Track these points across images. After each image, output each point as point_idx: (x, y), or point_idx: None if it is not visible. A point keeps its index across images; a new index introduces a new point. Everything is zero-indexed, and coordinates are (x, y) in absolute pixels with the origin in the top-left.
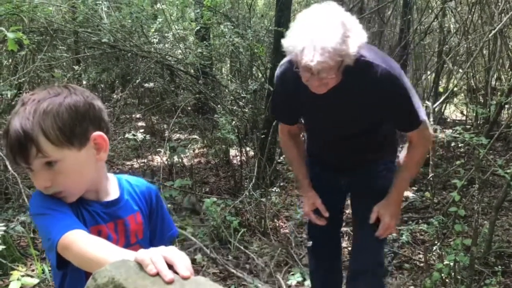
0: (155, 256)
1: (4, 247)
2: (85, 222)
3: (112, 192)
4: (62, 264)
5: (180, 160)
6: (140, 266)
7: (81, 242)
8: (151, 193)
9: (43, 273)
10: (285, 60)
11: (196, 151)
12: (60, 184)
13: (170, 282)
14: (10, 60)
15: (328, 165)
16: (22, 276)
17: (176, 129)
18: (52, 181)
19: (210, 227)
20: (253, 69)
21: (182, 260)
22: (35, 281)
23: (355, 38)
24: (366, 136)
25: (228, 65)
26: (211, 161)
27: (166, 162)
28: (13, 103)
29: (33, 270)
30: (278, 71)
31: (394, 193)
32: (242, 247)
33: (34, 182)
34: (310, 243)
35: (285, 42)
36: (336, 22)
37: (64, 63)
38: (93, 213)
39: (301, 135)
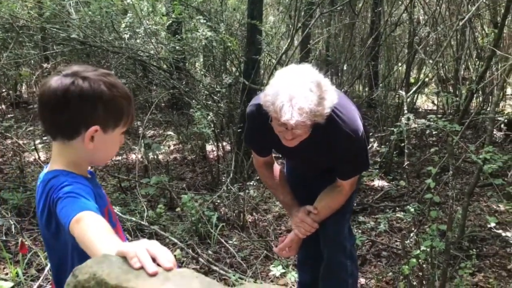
0: (139, 249)
1: None
2: (104, 200)
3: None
4: None
5: (155, 157)
6: (122, 260)
7: (87, 223)
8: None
9: (17, 276)
10: (255, 101)
11: (172, 147)
12: None
13: (154, 275)
14: None
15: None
16: None
17: (151, 126)
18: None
19: (189, 223)
20: (227, 63)
21: (164, 253)
22: (10, 284)
23: (329, 100)
24: (329, 173)
25: (202, 60)
26: (187, 157)
27: (141, 159)
28: None
29: (6, 274)
30: (249, 109)
31: (314, 216)
32: (223, 241)
33: (120, 144)
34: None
35: (264, 98)
36: (313, 84)
37: (32, 61)
38: (101, 191)
39: (275, 163)
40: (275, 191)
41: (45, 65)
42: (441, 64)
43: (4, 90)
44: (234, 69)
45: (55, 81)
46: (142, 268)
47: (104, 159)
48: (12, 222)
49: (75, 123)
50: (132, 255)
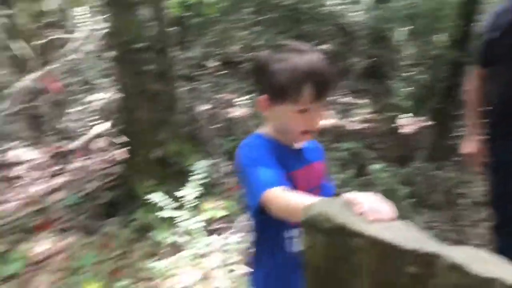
0: (364, 198)
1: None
2: (288, 167)
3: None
4: (263, 211)
5: (347, 123)
6: (347, 206)
7: (281, 198)
8: (321, 148)
9: (229, 209)
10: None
11: (365, 116)
12: (316, 126)
13: (376, 221)
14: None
15: None
16: (212, 208)
17: (346, 93)
18: (318, 122)
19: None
20: (435, 33)
21: (387, 205)
22: (224, 213)
23: None
24: None
25: (408, 28)
26: (380, 127)
27: (334, 125)
28: (202, 62)
29: (220, 206)
30: (494, 10)
31: None
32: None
33: (307, 122)
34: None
35: None
36: None
37: (246, 25)
38: (293, 159)
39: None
40: (468, 113)
41: (254, 28)
42: None
43: (218, 49)
44: (444, 39)
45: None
46: (364, 214)
47: (288, 135)
48: (225, 164)
49: (257, 88)
50: (356, 202)
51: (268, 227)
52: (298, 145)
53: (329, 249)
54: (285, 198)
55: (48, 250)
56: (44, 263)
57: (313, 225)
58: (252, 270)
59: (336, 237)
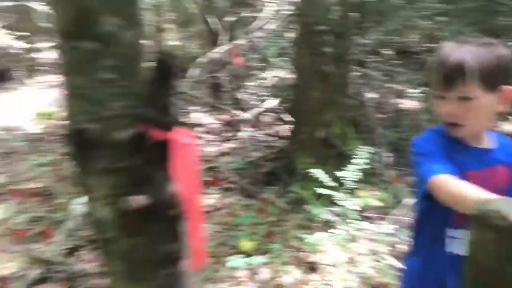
0: None
1: None
2: (460, 165)
3: (487, 142)
4: (429, 198)
5: None
6: None
7: (450, 183)
8: None
9: (384, 200)
10: None
11: None
12: (465, 119)
13: None
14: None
15: None
16: (367, 196)
17: None
18: (459, 114)
19: None
20: None
21: None
22: (378, 203)
23: None
24: None
25: None
26: None
27: None
28: (377, 49)
29: (375, 196)
30: None
31: None
32: None
33: (443, 109)
34: None
35: None
36: None
37: (431, 14)
38: (468, 157)
39: None
40: None
41: (440, 18)
42: None
43: (395, 37)
44: None
45: None
46: None
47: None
48: (386, 155)
49: None
50: None
51: (432, 221)
52: (483, 144)
53: (500, 249)
54: (455, 184)
55: (214, 204)
56: (209, 214)
57: (484, 220)
58: (406, 264)
59: (511, 238)
